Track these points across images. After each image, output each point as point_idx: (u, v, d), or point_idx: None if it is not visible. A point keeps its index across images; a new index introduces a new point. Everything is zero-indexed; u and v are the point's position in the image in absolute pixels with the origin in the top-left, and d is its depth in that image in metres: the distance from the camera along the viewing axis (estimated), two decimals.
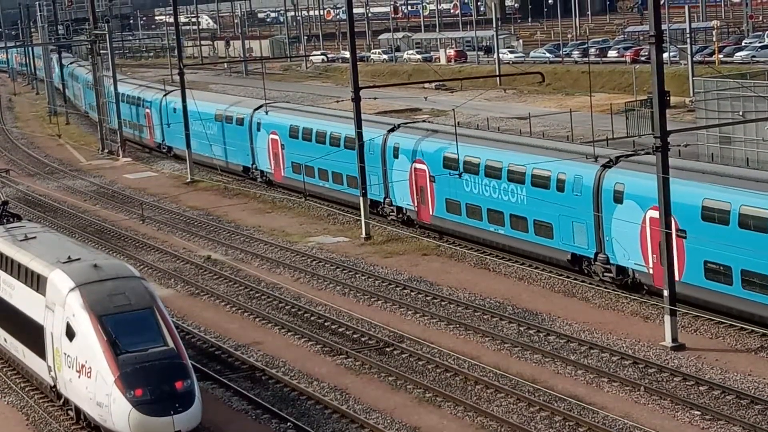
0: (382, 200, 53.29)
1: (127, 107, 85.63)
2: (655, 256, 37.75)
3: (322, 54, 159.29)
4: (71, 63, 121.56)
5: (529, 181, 43.46)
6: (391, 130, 52.68)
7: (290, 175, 60.74)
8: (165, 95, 78.42)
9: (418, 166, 50.06)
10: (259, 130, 64.06)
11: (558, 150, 43.84)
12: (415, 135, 51.19)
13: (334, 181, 56.48)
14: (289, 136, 60.45)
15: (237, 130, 66.69)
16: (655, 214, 36.44)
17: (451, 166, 47.51)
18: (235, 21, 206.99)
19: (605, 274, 40.57)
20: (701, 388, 31.41)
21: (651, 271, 38.31)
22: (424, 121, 59.21)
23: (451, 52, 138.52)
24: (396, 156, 51.50)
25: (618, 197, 39.35)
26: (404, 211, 52.02)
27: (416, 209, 50.81)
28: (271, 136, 62.51)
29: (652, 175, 36.17)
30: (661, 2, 41.25)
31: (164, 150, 79.97)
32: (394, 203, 52.59)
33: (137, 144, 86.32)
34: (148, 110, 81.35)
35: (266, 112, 64.24)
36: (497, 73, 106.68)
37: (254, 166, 65.57)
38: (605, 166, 40.51)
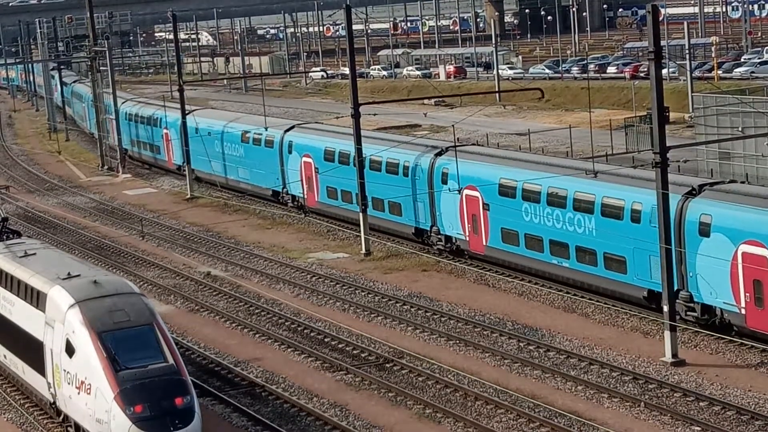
0: (428, 228, 50.00)
1: (140, 127, 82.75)
2: (748, 295, 34.85)
3: (321, 70, 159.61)
4: (74, 81, 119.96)
5: (598, 211, 40.22)
6: (439, 154, 49.40)
7: (325, 201, 57.59)
8: (186, 114, 73.86)
9: (470, 192, 46.78)
10: (290, 152, 60.62)
11: (630, 177, 40.29)
12: (466, 159, 47.83)
13: (374, 208, 52.88)
14: (324, 159, 57.06)
15: (266, 152, 63.27)
16: (750, 248, 34.31)
17: (507, 194, 44.64)
18: (235, 37, 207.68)
19: (688, 313, 37.13)
20: (701, 403, 31.38)
21: (743, 312, 35.11)
22: (474, 143, 56.70)
23: (451, 68, 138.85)
24: (444, 181, 48.24)
25: (704, 230, 36.00)
26: (454, 241, 48.57)
27: (467, 239, 47.39)
28: (304, 158, 59.11)
29: (745, 206, 34.46)
30: (660, 18, 41.13)
31: (184, 172, 74.31)
32: (442, 232, 49.11)
33: (153, 166, 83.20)
34: (166, 131, 77.64)
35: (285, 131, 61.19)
36: (497, 89, 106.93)
37: (285, 190, 62.02)
38: (688, 195, 37.29)
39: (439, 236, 49.43)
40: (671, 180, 38.46)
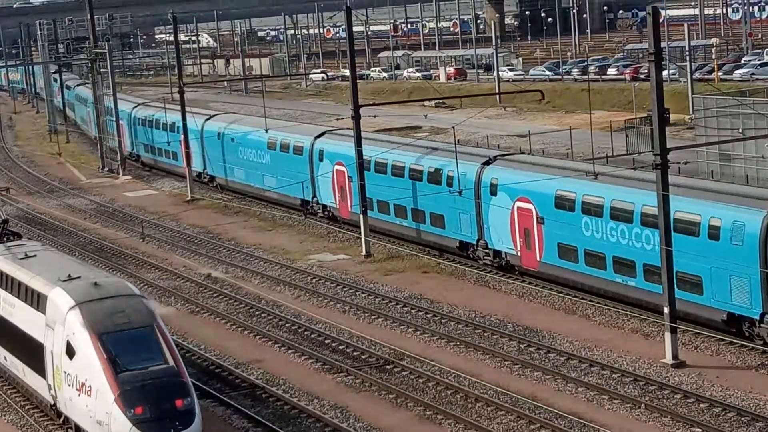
0: (474, 242, 47.48)
1: (154, 132, 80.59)
2: None
3: (322, 72, 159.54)
4: (77, 85, 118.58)
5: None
6: (486, 163, 46.92)
7: (359, 211, 53.54)
8: (206, 120, 72.35)
9: (522, 204, 44.23)
10: (321, 159, 57.98)
11: (710, 191, 37.63)
12: (518, 169, 45.29)
13: (414, 219, 51.00)
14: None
15: (294, 159, 60.52)
16: None
17: (565, 206, 42.00)
18: (235, 39, 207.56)
19: None
20: (702, 405, 31.38)
21: None
22: (523, 152, 53.83)
23: (451, 70, 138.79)
24: (494, 193, 45.71)
25: None
26: (503, 255, 45.95)
27: (519, 254, 44.85)
28: (337, 167, 56.43)
29: None
30: (661, 20, 41.03)
31: (205, 180, 72.80)
32: (490, 246, 46.48)
33: (168, 173, 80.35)
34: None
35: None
36: (497, 91, 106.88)
37: (315, 199, 59.33)
38: None
39: (487, 250, 46.84)
40: (753, 194, 36.82)
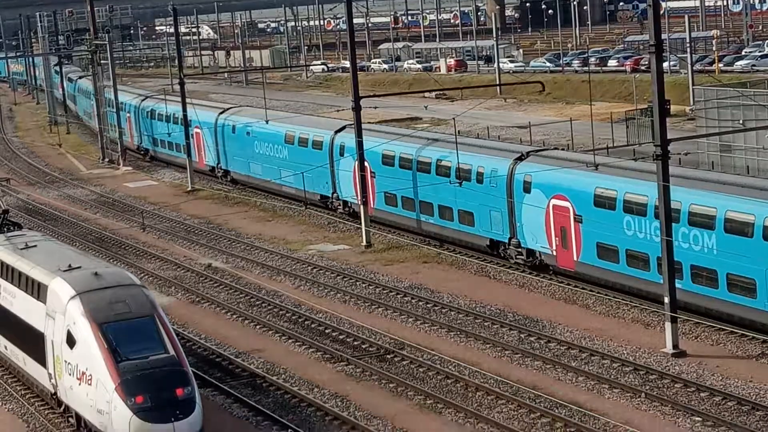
0: (506, 241, 45.75)
1: (163, 126, 78.71)
2: None
3: (322, 64, 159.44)
4: (80, 77, 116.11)
5: (721, 226, 35.68)
6: (519, 159, 45.14)
7: (383, 208, 53.11)
8: (220, 113, 70.84)
9: (558, 202, 42.47)
10: (342, 155, 56.15)
11: (762, 189, 36.12)
12: (553, 165, 43.15)
13: (441, 217, 49.39)
14: (382, 163, 52.64)
15: (313, 154, 58.83)
16: None
17: (605, 205, 40.34)
18: (236, 31, 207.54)
19: None
20: (702, 394, 31.42)
21: None
22: (556, 148, 51.03)
23: (452, 61, 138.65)
24: (527, 190, 43.98)
25: None
26: (537, 255, 44.24)
27: (554, 253, 43.05)
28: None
29: None
30: (661, 12, 40.89)
31: (219, 174, 71.40)
32: (523, 245, 44.87)
33: (180, 167, 77.42)
34: (197, 130, 72.44)
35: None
36: (497, 83, 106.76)
37: (335, 195, 57.69)
38: None
39: (519, 249, 45.17)
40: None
